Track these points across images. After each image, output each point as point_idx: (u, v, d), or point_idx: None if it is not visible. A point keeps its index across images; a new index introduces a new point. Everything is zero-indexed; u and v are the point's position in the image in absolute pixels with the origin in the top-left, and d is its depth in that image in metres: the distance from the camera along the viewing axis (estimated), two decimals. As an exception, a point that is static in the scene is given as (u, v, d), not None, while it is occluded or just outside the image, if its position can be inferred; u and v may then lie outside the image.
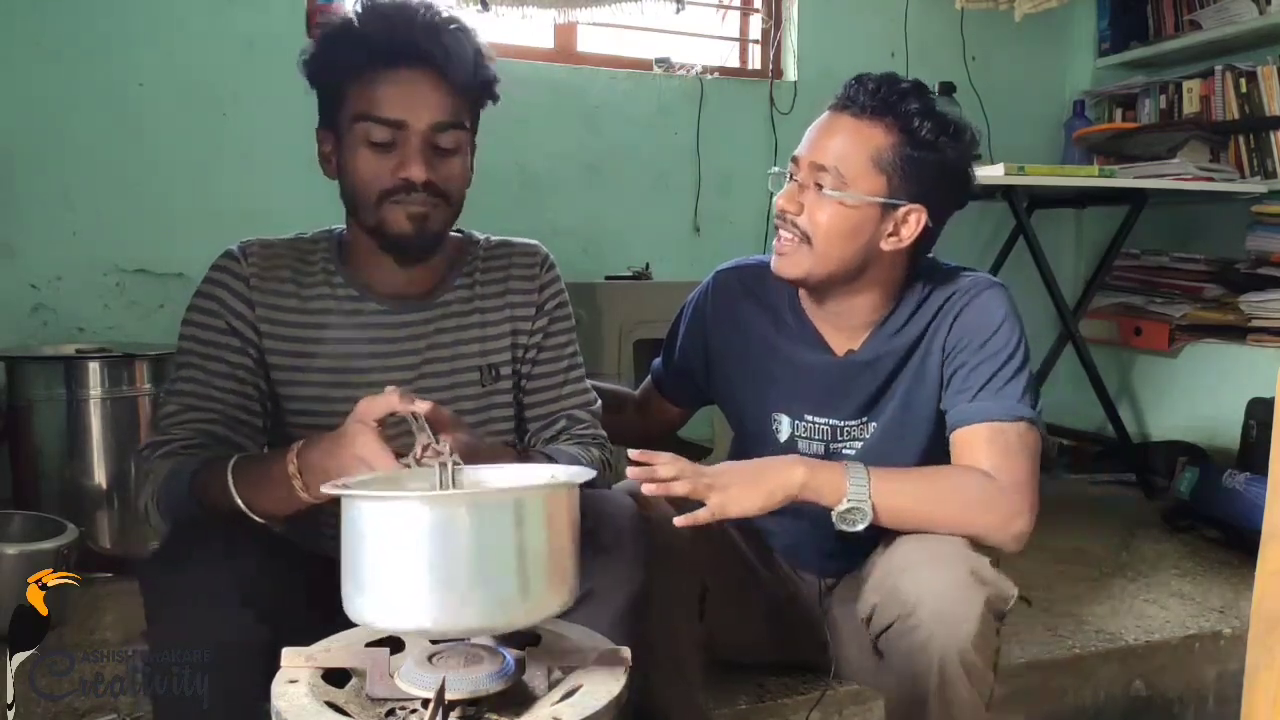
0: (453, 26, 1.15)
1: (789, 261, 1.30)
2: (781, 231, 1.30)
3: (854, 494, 1.18)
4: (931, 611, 1.14)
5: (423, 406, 0.91)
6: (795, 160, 1.30)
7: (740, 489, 1.17)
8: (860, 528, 1.19)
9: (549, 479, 0.84)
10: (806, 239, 1.27)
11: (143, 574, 1.01)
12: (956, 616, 1.14)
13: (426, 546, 0.72)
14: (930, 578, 1.16)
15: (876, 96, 1.25)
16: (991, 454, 1.24)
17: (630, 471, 1.13)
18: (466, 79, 1.15)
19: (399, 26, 1.12)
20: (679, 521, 1.14)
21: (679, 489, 1.13)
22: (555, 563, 0.76)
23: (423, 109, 1.12)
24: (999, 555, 1.23)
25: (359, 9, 1.15)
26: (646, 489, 1.12)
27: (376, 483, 0.86)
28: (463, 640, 0.79)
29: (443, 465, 0.85)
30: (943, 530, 1.21)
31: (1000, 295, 1.32)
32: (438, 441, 0.88)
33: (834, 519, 1.20)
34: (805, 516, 1.40)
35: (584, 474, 0.82)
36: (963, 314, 1.31)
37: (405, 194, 1.13)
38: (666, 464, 1.14)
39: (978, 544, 1.21)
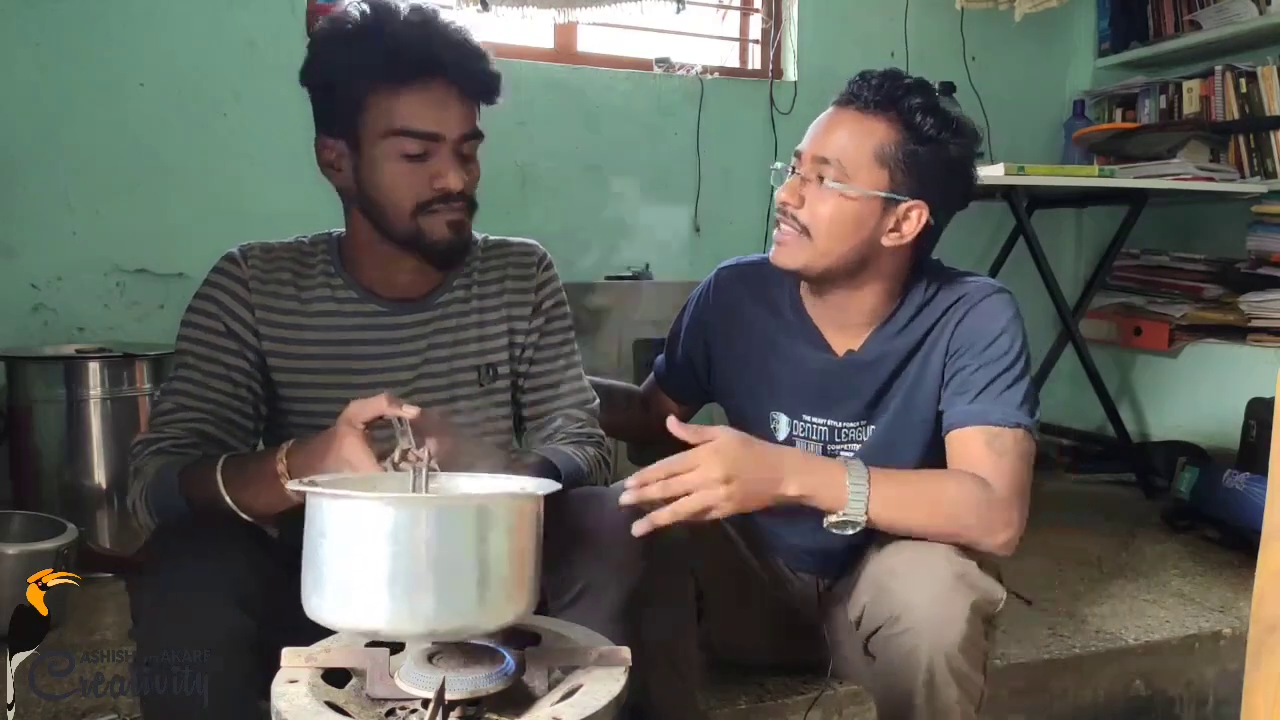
0: (463, 35, 1.16)
1: (787, 252, 1.30)
2: (782, 224, 1.30)
3: (852, 506, 1.15)
4: (919, 616, 1.14)
5: (410, 412, 0.92)
6: (798, 155, 1.31)
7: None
8: (850, 534, 1.18)
9: (518, 489, 0.84)
10: (806, 232, 1.27)
11: (129, 572, 1.01)
12: (943, 620, 1.13)
13: (382, 547, 0.72)
14: (917, 582, 1.15)
15: (880, 91, 1.25)
16: (987, 458, 1.23)
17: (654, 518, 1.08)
18: (483, 88, 1.18)
19: (418, 39, 1.11)
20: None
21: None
22: (514, 572, 0.75)
23: (454, 121, 1.14)
24: (996, 557, 1.22)
25: (360, 15, 1.13)
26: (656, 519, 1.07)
27: (348, 484, 0.86)
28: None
29: (416, 471, 0.85)
30: (934, 537, 1.19)
31: (1005, 301, 1.32)
32: (418, 447, 0.88)
33: (825, 524, 1.18)
34: (804, 520, 1.40)
35: (549, 486, 0.82)
36: (966, 318, 1.30)
37: (444, 203, 1.15)
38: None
39: (967, 547, 1.20)
